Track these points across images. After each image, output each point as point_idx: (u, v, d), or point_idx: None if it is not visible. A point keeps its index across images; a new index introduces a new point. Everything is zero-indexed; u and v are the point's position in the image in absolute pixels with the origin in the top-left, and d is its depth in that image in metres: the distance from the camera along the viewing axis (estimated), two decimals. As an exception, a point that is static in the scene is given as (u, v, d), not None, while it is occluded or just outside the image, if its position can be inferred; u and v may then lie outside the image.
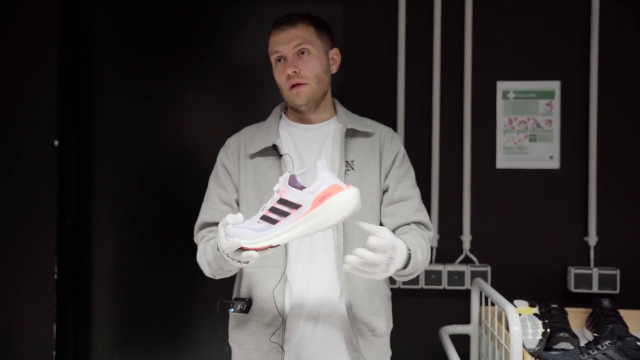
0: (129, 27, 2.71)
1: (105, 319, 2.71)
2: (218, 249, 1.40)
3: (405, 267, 1.44)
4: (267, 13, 2.55)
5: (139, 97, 2.70)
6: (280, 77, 1.68)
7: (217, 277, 1.62)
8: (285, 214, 1.26)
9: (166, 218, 2.66)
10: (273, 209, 1.27)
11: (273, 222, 1.28)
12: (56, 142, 2.58)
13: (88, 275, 2.71)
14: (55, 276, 2.56)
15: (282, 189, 1.27)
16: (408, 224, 1.66)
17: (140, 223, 2.69)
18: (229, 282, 1.78)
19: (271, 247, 1.29)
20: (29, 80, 2.59)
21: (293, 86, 1.66)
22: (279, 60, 1.68)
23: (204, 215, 1.71)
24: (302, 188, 1.29)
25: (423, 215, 1.70)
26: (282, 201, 1.26)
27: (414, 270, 1.52)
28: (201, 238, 1.68)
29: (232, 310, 1.68)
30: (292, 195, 1.26)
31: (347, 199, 1.24)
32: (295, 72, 1.64)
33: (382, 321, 1.70)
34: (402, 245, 1.40)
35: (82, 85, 2.71)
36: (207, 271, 1.61)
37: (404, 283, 2.42)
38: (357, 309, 1.65)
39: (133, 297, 2.70)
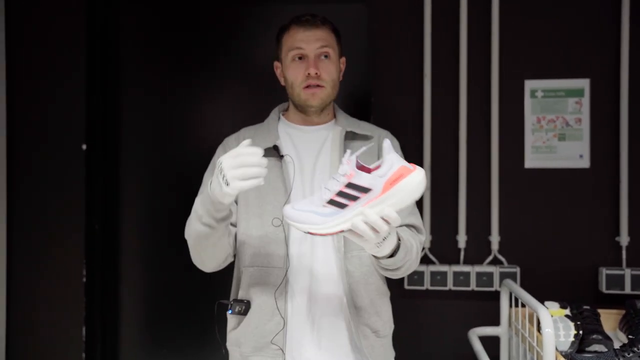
0: (155, 33, 2.73)
1: (133, 321, 2.73)
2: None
3: (391, 256, 1.41)
4: (290, 13, 2.55)
5: (165, 102, 2.72)
6: (297, 74, 1.67)
7: (203, 257, 1.60)
8: (354, 198, 1.24)
9: (193, 220, 2.67)
10: (341, 193, 1.25)
11: (342, 206, 1.25)
12: (84, 147, 2.61)
13: (115, 277, 2.74)
14: (84, 279, 2.59)
15: (350, 173, 1.24)
16: (401, 226, 1.62)
17: (166, 225, 2.71)
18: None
19: (342, 231, 1.27)
20: (58, 85, 2.63)
21: (310, 86, 1.66)
22: (299, 58, 1.67)
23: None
24: (361, 167, 1.27)
25: (415, 219, 1.67)
26: (350, 185, 1.24)
27: (401, 265, 1.48)
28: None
29: (229, 312, 1.66)
30: (361, 179, 1.23)
31: (417, 180, 1.22)
32: (316, 73, 1.64)
33: (385, 322, 1.69)
34: (395, 233, 1.38)
35: (109, 89, 2.74)
36: (191, 240, 1.58)
37: (432, 284, 2.40)
38: (360, 310, 1.63)
39: (160, 298, 2.72)
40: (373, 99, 2.49)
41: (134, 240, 2.73)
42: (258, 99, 2.65)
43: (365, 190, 1.23)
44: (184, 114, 2.71)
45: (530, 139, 2.44)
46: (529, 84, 2.45)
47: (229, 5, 2.68)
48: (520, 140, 2.45)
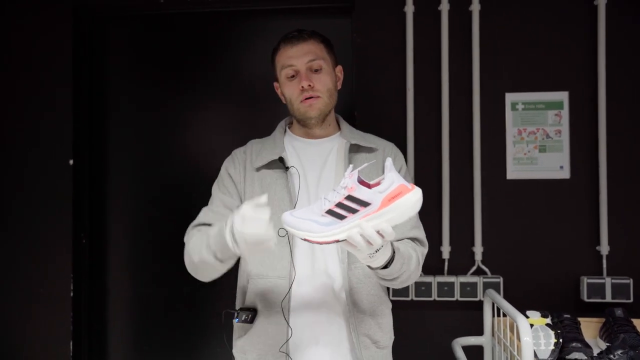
0: (141, 48, 2.76)
1: (121, 337, 2.74)
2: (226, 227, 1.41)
3: (385, 267, 1.46)
4: (277, 28, 2.58)
5: (152, 116, 2.74)
6: (292, 90, 1.71)
7: (204, 273, 1.59)
8: (353, 211, 1.29)
9: (180, 234, 2.67)
10: (340, 205, 1.29)
11: (340, 217, 1.30)
12: (71, 161, 2.62)
13: (103, 292, 2.74)
14: (71, 294, 2.60)
15: (351, 186, 1.28)
16: (402, 239, 1.67)
17: (154, 239, 2.72)
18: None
19: (337, 241, 1.31)
20: (44, 100, 2.65)
21: (306, 98, 1.69)
22: (293, 76, 1.71)
23: (203, 217, 1.70)
24: (362, 182, 1.31)
25: (419, 232, 1.71)
26: (350, 198, 1.28)
27: (397, 276, 1.53)
28: (193, 235, 1.64)
29: (236, 320, 1.69)
30: (361, 193, 1.28)
31: (415, 199, 1.28)
32: (310, 85, 1.67)
33: (384, 333, 1.73)
34: (389, 245, 1.43)
35: (96, 104, 2.76)
36: (196, 259, 1.56)
37: (417, 295, 2.43)
38: (361, 322, 1.67)
39: (148, 313, 2.72)
40: (357, 113, 2.53)
41: (122, 255, 2.75)
42: (246, 112, 2.69)
43: (364, 204, 1.28)
44: (171, 128, 2.73)
45: (511, 151, 2.48)
46: (510, 97, 2.49)
47: (217, 19, 2.72)
48: (502, 152, 2.49)
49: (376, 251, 1.35)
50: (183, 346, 2.69)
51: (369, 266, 1.45)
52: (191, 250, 1.60)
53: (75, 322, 2.61)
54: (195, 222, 1.73)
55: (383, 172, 1.72)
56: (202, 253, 1.53)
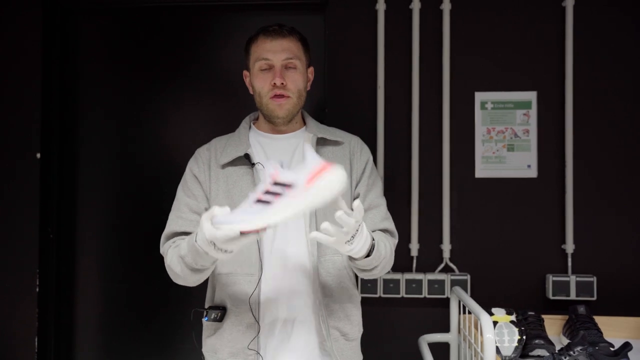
0: (114, 41, 2.73)
1: (88, 332, 2.71)
2: (196, 240, 1.41)
3: (367, 255, 1.49)
4: (252, 24, 2.57)
5: (123, 111, 2.71)
6: (263, 84, 1.70)
7: (189, 281, 1.60)
8: (279, 195, 1.28)
9: (149, 230, 2.66)
10: (267, 192, 1.29)
11: (268, 203, 1.29)
12: (38, 155, 2.59)
13: (70, 287, 2.71)
14: (37, 289, 2.56)
15: (275, 172, 1.28)
16: (374, 231, 1.70)
17: (122, 235, 2.70)
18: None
19: (268, 226, 1.30)
20: (13, 92, 2.61)
21: (276, 96, 1.68)
22: (265, 69, 1.70)
23: (172, 225, 1.71)
24: None
25: (389, 223, 1.75)
26: (275, 183, 1.28)
27: (376, 265, 1.56)
28: (168, 247, 1.67)
29: (205, 319, 1.70)
30: (285, 176, 1.27)
31: (337, 176, 1.27)
32: (282, 83, 1.66)
33: (354, 326, 1.74)
34: (368, 233, 1.45)
35: (66, 97, 2.72)
36: (178, 270, 1.57)
37: (385, 292, 2.44)
38: (331, 314, 1.68)
39: (116, 309, 2.70)
40: (327, 110, 2.53)
41: (91, 250, 2.71)
42: (222, 107, 2.67)
43: (288, 186, 1.27)
44: (144, 122, 2.70)
45: (480, 150, 2.50)
46: (479, 96, 2.51)
47: (192, 14, 2.69)
48: (470, 151, 2.51)
49: (352, 237, 1.36)
50: (152, 344, 2.68)
51: (351, 258, 1.47)
52: (170, 265, 1.62)
53: (40, 318, 2.58)
54: (166, 231, 1.73)
55: (350, 165, 1.74)
56: (183, 266, 1.55)
